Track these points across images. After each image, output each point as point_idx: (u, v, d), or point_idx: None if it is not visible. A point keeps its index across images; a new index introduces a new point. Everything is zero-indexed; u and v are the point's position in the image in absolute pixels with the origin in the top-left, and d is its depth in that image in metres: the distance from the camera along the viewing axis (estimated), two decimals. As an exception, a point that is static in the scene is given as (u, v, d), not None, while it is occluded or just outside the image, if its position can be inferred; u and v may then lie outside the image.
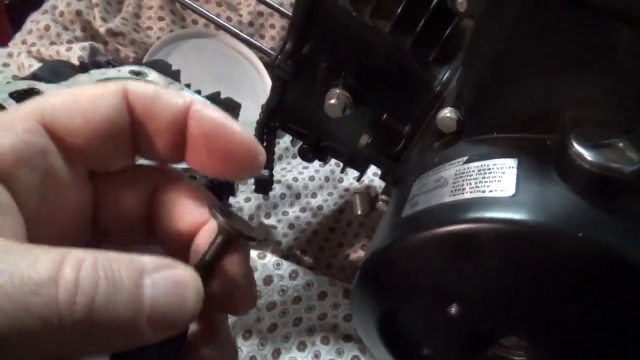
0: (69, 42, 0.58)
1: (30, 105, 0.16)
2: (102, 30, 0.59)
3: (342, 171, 0.46)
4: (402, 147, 0.35)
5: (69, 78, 0.41)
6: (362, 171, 0.43)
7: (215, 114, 0.17)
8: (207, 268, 0.17)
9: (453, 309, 0.25)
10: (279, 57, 0.35)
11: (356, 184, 0.58)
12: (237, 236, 0.17)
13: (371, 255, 0.26)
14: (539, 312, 0.22)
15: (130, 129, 0.17)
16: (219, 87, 0.50)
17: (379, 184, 0.58)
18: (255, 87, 0.65)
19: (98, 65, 0.46)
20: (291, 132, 0.42)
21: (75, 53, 0.54)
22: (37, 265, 0.12)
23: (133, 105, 0.17)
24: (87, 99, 0.16)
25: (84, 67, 0.45)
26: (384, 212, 0.42)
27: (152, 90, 0.17)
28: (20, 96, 0.37)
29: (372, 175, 0.58)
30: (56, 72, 0.42)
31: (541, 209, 0.21)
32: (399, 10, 0.32)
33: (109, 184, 0.18)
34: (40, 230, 0.15)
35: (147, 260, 0.14)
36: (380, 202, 0.40)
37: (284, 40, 0.35)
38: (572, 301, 0.21)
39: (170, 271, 0.14)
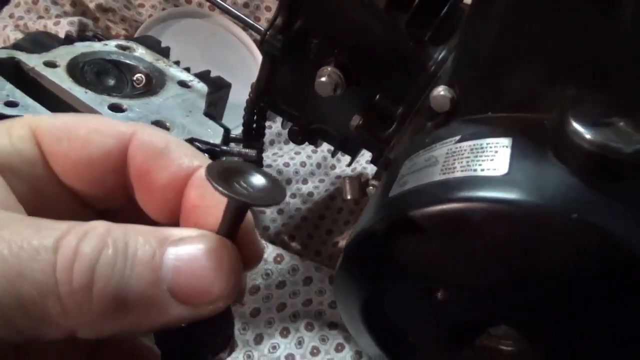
0: (58, 16, 0.56)
1: (30, 117, 0.15)
2: (92, 5, 0.57)
3: (334, 155, 0.45)
4: (394, 130, 0.34)
5: (52, 49, 0.39)
6: (354, 155, 0.42)
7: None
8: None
9: (440, 294, 0.23)
10: (269, 32, 0.34)
11: (348, 171, 0.57)
12: (249, 205, 0.15)
13: (356, 235, 0.24)
14: (530, 297, 0.21)
15: (123, 174, 0.15)
16: (211, 70, 0.48)
17: (371, 172, 0.57)
18: (250, 71, 0.63)
19: (84, 39, 0.44)
20: (281, 113, 0.41)
21: (63, 28, 0.53)
22: (41, 233, 0.11)
23: (134, 153, 0.15)
24: (85, 129, 0.15)
25: (68, 40, 0.43)
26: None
27: (163, 142, 0.15)
28: (-2, 65, 0.35)
29: (365, 163, 0.56)
30: (38, 42, 0.41)
31: (535, 188, 0.20)
32: (395, -15, 0.31)
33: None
34: None
35: (174, 231, 0.13)
36: (371, 187, 0.39)
37: (274, 14, 0.34)
38: (564, 286, 0.20)
39: (199, 241, 0.13)
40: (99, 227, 0.12)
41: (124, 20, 0.59)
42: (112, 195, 0.16)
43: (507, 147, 0.22)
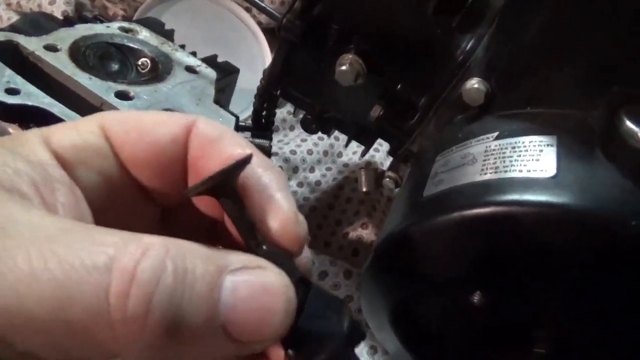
0: (52, -5, 0.53)
1: (98, 114, 0.16)
2: (88, -17, 0.54)
3: (347, 145, 0.44)
4: (416, 121, 0.33)
5: (52, 31, 0.37)
6: (369, 146, 0.40)
7: (270, 177, 0.15)
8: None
9: (477, 297, 0.22)
10: (287, 16, 0.32)
11: (355, 159, 0.55)
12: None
13: (387, 237, 0.23)
14: (578, 304, 0.20)
15: (184, 162, 0.16)
16: (214, 51, 0.46)
17: (379, 159, 0.55)
18: (253, 55, 0.61)
19: (85, 20, 0.42)
20: (294, 101, 0.39)
21: (59, 8, 0.50)
22: (94, 249, 0.11)
23: (195, 140, 0.15)
24: (150, 121, 0.16)
25: (68, 22, 0.41)
26: (392, 189, 0.39)
27: (218, 132, 0.16)
28: (-4, 48, 0.33)
29: (373, 151, 0.55)
30: (37, 24, 0.38)
31: (587, 192, 0.19)
32: (423, -32, 0.29)
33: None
34: None
35: (232, 258, 0.12)
36: (387, 179, 0.38)
37: (293, -2, 0.32)
38: (618, 293, 0.19)
39: (258, 274, 0.12)
40: (156, 245, 0.11)
41: (122, 0, 0.57)
42: (176, 188, 0.16)
43: (552, 145, 0.21)
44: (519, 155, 0.21)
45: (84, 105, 0.33)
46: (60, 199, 0.13)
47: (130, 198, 0.16)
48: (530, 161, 0.21)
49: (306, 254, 0.16)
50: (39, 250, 0.10)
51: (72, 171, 0.14)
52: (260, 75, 0.38)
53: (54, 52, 0.35)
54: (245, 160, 0.14)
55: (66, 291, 0.10)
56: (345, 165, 0.55)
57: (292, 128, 0.59)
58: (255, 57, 0.62)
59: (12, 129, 0.32)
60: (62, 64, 0.34)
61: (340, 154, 0.56)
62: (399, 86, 0.33)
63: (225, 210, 0.15)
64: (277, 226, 0.15)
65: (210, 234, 0.18)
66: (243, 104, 0.56)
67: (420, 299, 0.24)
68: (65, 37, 0.37)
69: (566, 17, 0.23)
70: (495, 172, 0.21)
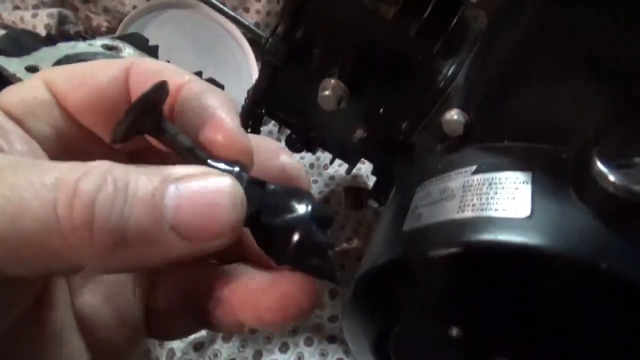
0: (35, 7, 0.53)
1: (41, 72, 0.17)
2: (72, -5, 0.54)
3: (331, 162, 0.44)
4: (399, 144, 0.33)
5: (32, 52, 0.37)
6: (353, 164, 0.41)
7: (212, 99, 0.16)
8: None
9: (454, 331, 0.23)
10: (270, 40, 0.32)
11: (342, 172, 0.56)
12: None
13: (369, 270, 0.24)
14: (550, 341, 0.20)
15: (128, 102, 0.16)
16: (200, 63, 0.46)
17: (365, 172, 0.56)
18: (239, 65, 0.61)
19: (67, 37, 0.42)
20: (278, 120, 0.39)
21: (41, 21, 0.50)
22: (42, 173, 0.12)
23: (134, 77, 0.16)
24: (89, 67, 0.16)
25: (50, 39, 0.41)
26: (375, 210, 0.40)
27: (158, 67, 0.16)
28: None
29: (359, 164, 0.55)
30: (18, 43, 0.38)
31: (560, 234, 0.19)
32: (405, -5, 0.29)
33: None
34: None
35: (176, 169, 0.13)
36: (371, 200, 0.38)
37: (276, 22, 0.32)
38: (587, 334, 0.19)
39: (201, 177, 0.13)
40: (100, 166, 0.12)
41: (106, 11, 0.56)
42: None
43: (527, 183, 0.22)
44: (496, 193, 0.22)
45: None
46: (16, 147, 0.14)
47: (83, 146, 0.16)
48: (506, 199, 0.21)
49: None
50: None
51: (23, 125, 0.15)
52: (246, 86, 0.38)
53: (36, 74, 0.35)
54: (160, 86, 0.14)
55: (17, 207, 0.11)
56: (332, 178, 0.55)
57: (278, 140, 0.59)
58: (241, 67, 0.62)
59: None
60: (43, 86, 0.34)
61: (326, 167, 0.56)
62: (381, 109, 0.33)
63: (161, 142, 0.15)
64: (221, 140, 0.15)
65: None
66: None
67: (401, 330, 0.24)
68: (47, 57, 0.37)
69: (537, 51, 0.23)
70: (473, 210, 0.21)
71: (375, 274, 0.23)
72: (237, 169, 0.15)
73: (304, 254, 0.15)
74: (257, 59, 0.62)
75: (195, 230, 0.13)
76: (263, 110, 0.39)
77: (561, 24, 0.21)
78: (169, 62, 0.45)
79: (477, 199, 0.22)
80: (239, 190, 0.14)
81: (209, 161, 0.15)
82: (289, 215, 0.15)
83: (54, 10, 0.51)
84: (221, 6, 0.57)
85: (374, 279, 0.23)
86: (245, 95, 0.38)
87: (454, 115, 0.26)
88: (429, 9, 0.30)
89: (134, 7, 0.56)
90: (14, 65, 0.35)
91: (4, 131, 0.14)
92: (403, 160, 0.33)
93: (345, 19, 0.31)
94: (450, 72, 0.30)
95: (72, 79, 0.16)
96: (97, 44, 0.41)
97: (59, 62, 0.37)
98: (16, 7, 0.53)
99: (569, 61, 0.22)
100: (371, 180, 0.51)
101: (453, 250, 0.20)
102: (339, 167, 0.56)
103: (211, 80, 0.46)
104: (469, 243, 0.20)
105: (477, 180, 0.23)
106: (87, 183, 0.12)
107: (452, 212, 0.22)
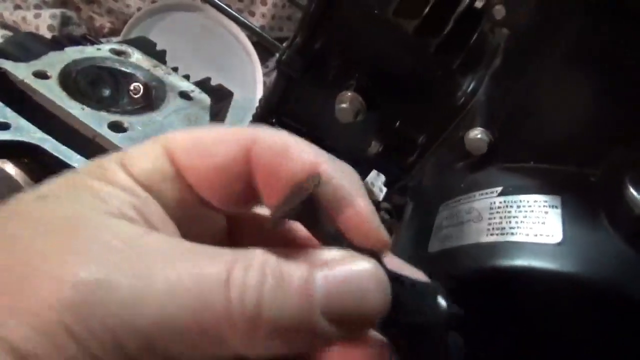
0: (37, 7, 0.52)
1: (161, 136, 0.16)
2: (75, -5, 0.53)
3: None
4: (415, 158, 0.33)
5: (41, 56, 0.36)
6: (365, 176, 0.41)
7: (345, 181, 0.16)
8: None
9: (482, 354, 0.23)
10: (287, 52, 0.32)
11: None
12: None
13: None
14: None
15: (249, 179, 0.16)
16: (204, 68, 0.46)
17: (370, 179, 0.56)
18: (244, 69, 0.60)
19: (74, 41, 0.41)
20: (289, 130, 0.39)
21: (44, 21, 0.49)
22: (213, 265, 0.13)
23: (258, 156, 0.16)
24: (210, 141, 0.16)
25: (57, 42, 0.40)
26: (387, 219, 0.39)
27: (280, 144, 0.16)
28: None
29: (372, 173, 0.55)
30: (24, 47, 0.37)
31: (594, 262, 0.19)
32: (427, 9, 0.29)
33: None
34: None
35: (322, 254, 0.14)
36: (383, 211, 0.38)
37: (294, 33, 0.32)
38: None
39: (347, 263, 0.14)
40: (258, 256, 0.13)
41: (110, 12, 0.55)
42: (240, 202, 0.17)
43: (556, 207, 0.21)
44: (525, 217, 0.22)
45: (77, 137, 0.33)
46: (156, 220, 0.15)
47: (198, 213, 0.17)
48: (536, 224, 0.21)
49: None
50: (172, 268, 0.13)
51: (150, 194, 0.16)
52: (250, 89, 0.38)
53: (44, 80, 0.34)
54: (313, 183, 0.15)
55: (199, 301, 0.12)
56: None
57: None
58: (246, 71, 0.61)
59: (3, 164, 0.31)
60: (53, 93, 0.33)
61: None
62: (397, 123, 0.33)
63: (307, 227, 0.15)
64: (359, 230, 0.16)
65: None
66: (234, 119, 0.55)
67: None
68: (55, 62, 0.36)
69: (569, 71, 0.23)
70: (502, 234, 0.21)
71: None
72: (373, 259, 0.15)
73: (433, 355, 0.15)
74: (262, 63, 0.61)
75: (346, 315, 0.13)
76: (274, 120, 0.38)
77: (598, 45, 0.21)
78: (176, 69, 0.44)
79: (506, 222, 0.22)
80: (383, 274, 0.14)
81: (349, 249, 0.15)
82: (423, 316, 0.15)
83: (57, 11, 0.50)
84: (227, 8, 0.57)
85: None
86: (249, 97, 0.38)
87: (477, 134, 0.26)
88: (450, 24, 0.29)
89: (139, 9, 0.55)
90: (21, 70, 0.34)
91: (146, 202, 0.15)
92: (420, 172, 0.32)
93: (364, 32, 0.31)
94: (470, 88, 0.30)
95: (193, 152, 0.16)
96: (105, 48, 0.40)
97: (66, 67, 0.36)
98: (17, 7, 0.52)
99: (602, 84, 0.22)
100: (376, 186, 0.51)
101: (484, 275, 0.20)
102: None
103: (220, 88, 0.45)
104: (502, 269, 0.20)
105: (504, 202, 0.23)
106: (253, 278, 0.13)
107: (481, 234, 0.22)
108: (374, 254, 0.15)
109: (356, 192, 0.16)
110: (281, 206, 0.15)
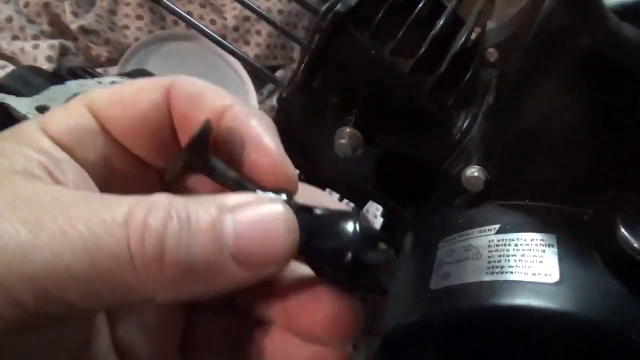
0: (35, 37, 0.52)
1: (82, 95, 0.16)
2: (73, 27, 0.53)
3: (340, 200, 0.44)
4: (413, 192, 0.34)
5: (43, 91, 0.36)
6: (362, 206, 0.41)
7: (254, 124, 0.16)
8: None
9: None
10: (287, 89, 0.33)
11: (336, 198, 0.56)
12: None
13: (396, 327, 0.24)
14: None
15: (171, 125, 0.16)
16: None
17: (367, 208, 0.56)
18: (239, 97, 0.61)
19: (75, 75, 0.41)
20: (288, 161, 0.40)
21: (42, 52, 0.49)
22: (112, 209, 0.13)
23: (175, 102, 0.16)
24: (131, 91, 0.16)
25: (58, 76, 0.40)
26: (387, 252, 0.40)
27: (198, 87, 0.16)
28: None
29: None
30: (27, 82, 0.38)
31: (591, 301, 0.20)
32: (423, 49, 0.30)
33: None
34: None
35: (231, 198, 0.14)
36: (381, 242, 0.38)
37: (294, 71, 0.33)
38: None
39: (256, 207, 0.14)
40: (162, 200, 0.13)
41: (108, 42, 0.56)
42: (170, 155, 0.17)
43: (553, 246, 0.22)
44: (523, 255, 0.22)
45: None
46: (70, 178, 0.15)
47: (130, 171, 0.17)
48: (534, 263, 0.22)
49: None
50: (65, 215, 0.12)
51: (72, 154, 0.15)
52: None
53: (46, 115, 0.34)
54: (206, 128, 0.15)
55: (95, 245, 0.12)
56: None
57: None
58: (241, 98, 0.62)
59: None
60: (55, 128, 0.34)
61: (331, 192, 0.57)
62: (396, 158, 0.34)
63: (209, 177, 0.16)
64: (268, 167, 0.16)
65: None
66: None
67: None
68: (57, 96, 0.37)
69: (563, 113, 0.24)
70: (502, 273, 0.22)
71: (403, 331, 0.24)
72: (284, 196, 0.16)
73: (356, 274, 0.16)
74: (257, 91, 0.62)
75: (255, 258, 0.13)
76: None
77: (591, 87, 0.22)
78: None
79: (505, 261, 0.22)
80: (292, 216, 0.14)
81: (257, 191, 0.16)
82: (339, 238, 0.16)
83: (56, 42, 0.51)
84: (221, 40, 0.58)
85: (402, 336, 0.24)
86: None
87: (475, 172, 0.27)
88: (445, 63, 0.31)
89: (137, 40, 0.55)
90: (24, 106, 0.34)
91: (59, 162, 0.15)
92: (418, 206, 0.33)
93: (362, 71, 0.32)
94: (465, 125, 0.31)
95: (115, 104, 0.16)
96: (106, 81, 0.41)
97: (68, 101, 0.37)
98: (15, 37, 0.52)
99: (595, 125, 0.23)
100: (378, 219, 0.52)
101: (485, 313, 0.21)
102: (346, 206, 0.56)
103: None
104: (503, 308, 0.21)
105: (502, 240, 0.24)
106: (155, 219, 0.13)
107: (481, 273, 0.23)
108: (285, 192, 0.16)
109: (265, 133, 0.16)
110: (176, 161, 0.15)
